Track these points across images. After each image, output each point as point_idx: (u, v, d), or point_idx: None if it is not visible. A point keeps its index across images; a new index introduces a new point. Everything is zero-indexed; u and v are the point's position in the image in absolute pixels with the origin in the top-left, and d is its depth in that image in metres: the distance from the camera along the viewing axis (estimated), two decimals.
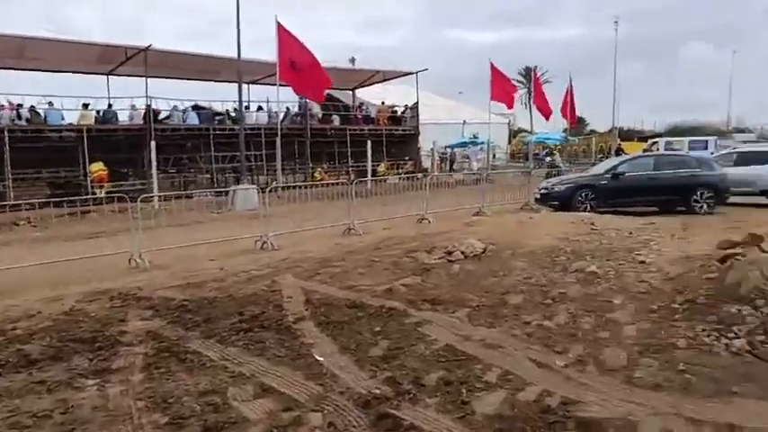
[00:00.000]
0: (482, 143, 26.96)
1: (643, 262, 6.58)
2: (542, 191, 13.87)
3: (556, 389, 3.71)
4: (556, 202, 13.09)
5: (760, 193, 14.32)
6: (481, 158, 25.93)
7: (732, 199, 14.14)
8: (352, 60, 28.88)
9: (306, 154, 22.45)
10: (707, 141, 27.89)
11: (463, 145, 27.70)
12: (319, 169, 22.61)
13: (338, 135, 23.99)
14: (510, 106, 26.35)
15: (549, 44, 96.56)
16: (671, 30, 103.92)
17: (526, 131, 39.46)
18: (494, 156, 28.73)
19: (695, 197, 12.92)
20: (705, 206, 12.91)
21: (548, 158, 23.66)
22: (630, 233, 8.67)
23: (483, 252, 7.52)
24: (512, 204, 14.92)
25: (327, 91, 27.85)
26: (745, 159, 14.93)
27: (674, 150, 24.74)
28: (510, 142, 36.54)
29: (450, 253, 7.49)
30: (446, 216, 12.61)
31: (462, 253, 7.44)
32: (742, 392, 3.57)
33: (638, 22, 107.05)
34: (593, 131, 45.85)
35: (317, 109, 24.42)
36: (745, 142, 29.92)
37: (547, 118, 27.89)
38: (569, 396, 3.59)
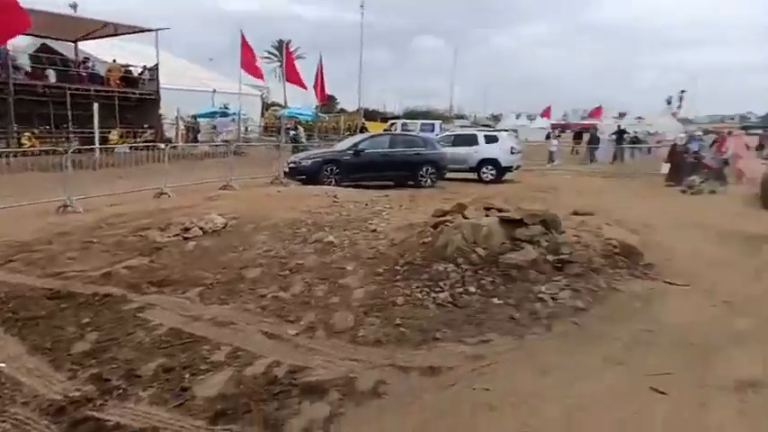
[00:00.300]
0: (233, 114, 25.95)
1: (375, 230, 7.12)
2: (291, 165, 14.02)
3: (285, 358, 3.69)
4: (303, 176, 13.38)
5: (470, 170, 17.13)
6: (232, 130, 24.91)
7: (450, 174, 16.65)
8: (74, 6, 24.23)
9: (9, 114, 18.13)
10: (434, 124, 32.27)
11: (212, 115, 26.19)
12: (28, 134, 18.47)
13: (55, 94, 19.99)
14: (258, 76, 25.90)
15: (304, 21, 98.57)
16: (411, 22, 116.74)
17: (279, 105, 39.61)
18: (246, 128, 27.99)
19: (421, 173, 14.72)
20: (429, 180, 14.82)
21: (291, 133, 23.86)
22: (367, 205, 9.34)
23: (224, 227, 7.14)
24: (263, 178, 14.74)
25: (44, 41, 23.06)
26: (460, 141, 17.65)
27: (409, 131, 27.92)
28: (263, 115, 36.15)
29: (187, 230, 6.90)
30: (190, 191, 11.70)
31: (201, 229, 6.93)
32: (443, 337, 4.11)
33: (384, 12, 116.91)
34: (342, 110, 48.62)
35: (23, 60, 19.90)
36: (462, 127, 35.66)
37: (306, 88, 28.34)
38: (297, 363, 3.61)
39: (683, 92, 64.38)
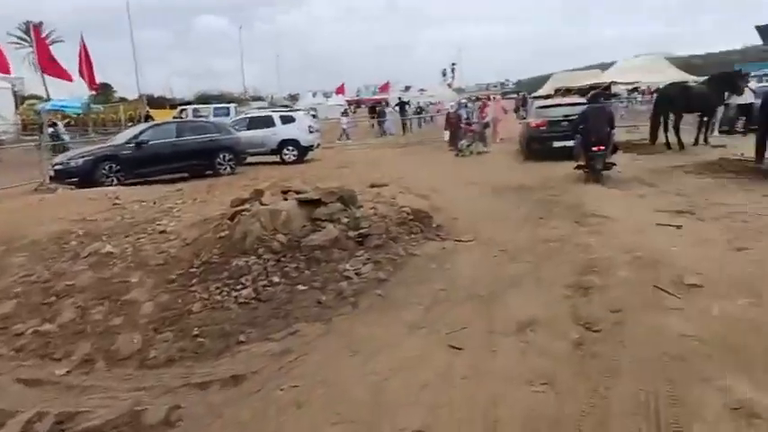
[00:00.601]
0: None
1: (164, 231, 6.37)
2: (57, 167, 11.89)
3: (51, 407, 3.02)
4: (75, 179, 11.47)
5: (271, 152, 16.67)
6: None
7: (252, 159, 15.99)
8: None
9: None
10: (228, 108, 30.64)
11: None
12: None
13: None
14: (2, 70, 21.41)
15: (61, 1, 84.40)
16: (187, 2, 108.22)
17: (39, 98, 33.45)
18: None
19: (219, 160, 13.82)
20: (228, 168, 13.99)
21: (49, 129, 20.15)
22: (155, 203, 8.38)
23: None
24: (24, 186, 12.30)
25: None
26: (255, 123, 16.99)
27: (202, 117, 26.06)
28: (17, 111, 30.19)
29: None
30: None
31: None
32: (247, 339, 3.81)
33: None
34: (123, 99, 43.21)
35: None
36: (259, 109, 34.53)
37: (71, 80, 24.27)
38: (68, 410, 2.97)
39: (453, 65, 72.29)
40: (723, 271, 4.22)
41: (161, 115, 30.01)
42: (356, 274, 4.76)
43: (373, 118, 27.80)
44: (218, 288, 4.63)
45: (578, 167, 9.40)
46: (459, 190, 9.07)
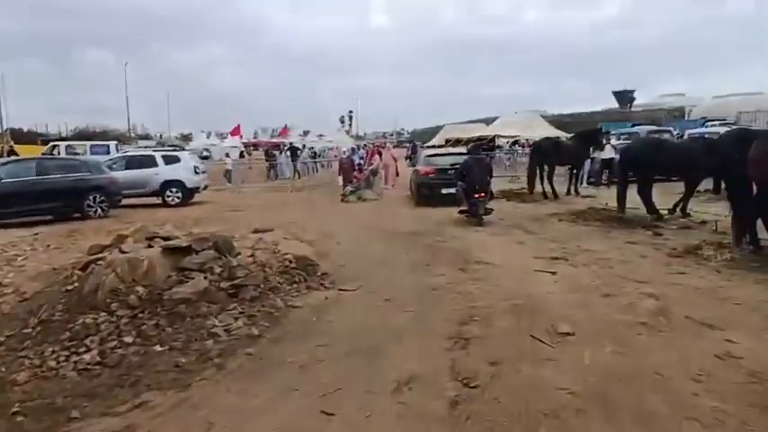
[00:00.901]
0: None
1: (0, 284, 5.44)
2: None
3: None
4: None
5: (153, 194, 15.48)
6: None
7: (133, 201, 14.72)
8: None
9: None
10: (108, 146, 28.35)
11: None
12: None
13: None
14: None
15: None
16: (73, 31, 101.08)
17: None
18: None
19: (88, 202, 12.52)
20: (99, 210, 12.72)
21: None
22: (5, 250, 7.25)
23: None
24: None
25: None
26: (135, 163, 15.75)
27: (77, 154, 23.87)
28: None
29: None
30: None
31: None
32: (82, 415, 3.18)
33: (37, 16, 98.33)
34: None
35: None
36: (146, 148, 32.36)
37: None
38: None
39: (351, 112, 74.37)
40: (593, 319, 4.36)
41: (29, 151, 27.14)
42: (225, 330, 4.29)
43: (267, 161, 27.22)
44: (54, 352, 3.93)
45: (461, 212, 10.16)
46: (349, 235, 8.89)
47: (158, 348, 3.97)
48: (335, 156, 27.03)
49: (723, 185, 8.48)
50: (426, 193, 13.15)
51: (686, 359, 3.50)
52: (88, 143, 28.68)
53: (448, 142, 32.76)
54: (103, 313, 4.41)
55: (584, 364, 3.47)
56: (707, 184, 10.94)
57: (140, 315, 4.40)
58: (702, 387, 3.13)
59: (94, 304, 4.54)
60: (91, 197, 12.58)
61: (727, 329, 4.01)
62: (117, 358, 3.85)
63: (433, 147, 29.99)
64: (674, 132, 23.39)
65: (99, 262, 5.19)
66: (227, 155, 30.57)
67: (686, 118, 42.58)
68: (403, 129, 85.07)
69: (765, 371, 3.29)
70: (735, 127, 18.02)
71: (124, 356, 3.86)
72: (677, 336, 3.95)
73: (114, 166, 15.21)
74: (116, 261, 4.94)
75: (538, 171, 13.96)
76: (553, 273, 5.99)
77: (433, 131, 46.14)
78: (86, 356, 3.85)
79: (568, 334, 3.98)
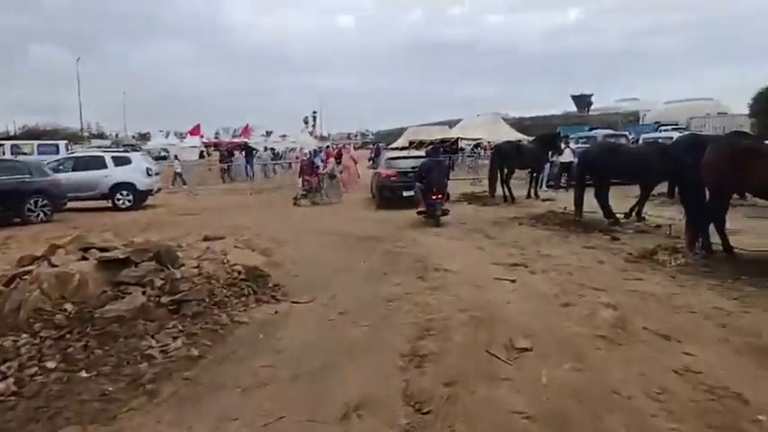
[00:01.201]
0: None
1: None
2: None
3: None
4: None
5: (102, 197, 14.76)
6: None
7: (80, 204, 13.99)
8: None
9: None
10: (58, 146, 27.01)
11: None
12: None
13: None
14: None
15: None
16: (24, 25, 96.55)
17: None
18: None
19: (29, 206, 11.80)
20: (42, 214, 12.00)
21: None
22: None
23: None
24: None
25: None
26: (83, 164, 14.99)
27: (24, 154, 22.67)
28: None
29: None
30: None
31: None
32: None
33: None
34: None
35: None
36: (99, 147, 31.04)
37: None
38: None
39: (314, 113, 73.68)
40: (551, 331, 4.23)
41: None
42: (162, 351, 3.95)
43: (222, 162, 26.43)
44: None
45: (419, 213, 10.37)
46: (306, 242, 8.59)
47: (84, 374, 3.60)
48: (297, 157, 26.52)
49: (677, 190, 8.61)
50: (388, 195, 13.01)
51: (645, 375, 3.39)
52: (35, 142, 27.26)
53: (411, 144, 32.67)
54: (25, 335, 4.01)
55: (542, 384, 3.31)
56: (662, 187, 11.15)
57: (67, 336, 4.02)
58: (661, 407, 3.01)
59: (15, 324, 4.13)
60: (32, 201, 11.88)
61: (684, 341, 3.94)
62: (36, 387, 3.46)
63: (396, 149, 29.87)
64: (630, 136, 24.01)
65: (25, 276, 4.76)
66: (176, 157, 29.44)
67: (641, 122, 44.04)
68: (368, 130, 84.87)
69: (722, 387, 3.21)
70: (687, 132, 18.58)
71: (44, 385, 3.48)
72: (636, 349, 3.85)
73: (60, 167, 14.46)
74: (42, 275, 4.53)
75: (499, 174, 13.97)
76: (512, 281, 5.87)
77: (398, 133, 46.04)
78: (1, 385, 3.45)
79: (526, 349, 3.83)
